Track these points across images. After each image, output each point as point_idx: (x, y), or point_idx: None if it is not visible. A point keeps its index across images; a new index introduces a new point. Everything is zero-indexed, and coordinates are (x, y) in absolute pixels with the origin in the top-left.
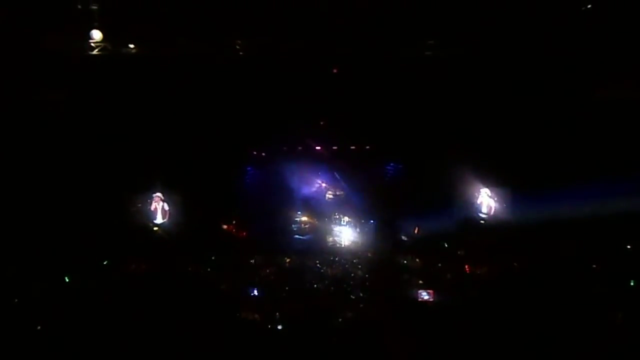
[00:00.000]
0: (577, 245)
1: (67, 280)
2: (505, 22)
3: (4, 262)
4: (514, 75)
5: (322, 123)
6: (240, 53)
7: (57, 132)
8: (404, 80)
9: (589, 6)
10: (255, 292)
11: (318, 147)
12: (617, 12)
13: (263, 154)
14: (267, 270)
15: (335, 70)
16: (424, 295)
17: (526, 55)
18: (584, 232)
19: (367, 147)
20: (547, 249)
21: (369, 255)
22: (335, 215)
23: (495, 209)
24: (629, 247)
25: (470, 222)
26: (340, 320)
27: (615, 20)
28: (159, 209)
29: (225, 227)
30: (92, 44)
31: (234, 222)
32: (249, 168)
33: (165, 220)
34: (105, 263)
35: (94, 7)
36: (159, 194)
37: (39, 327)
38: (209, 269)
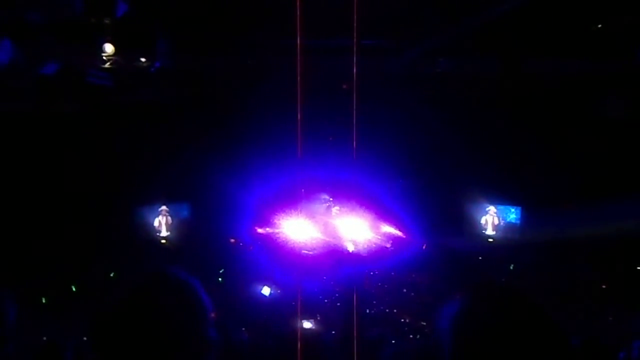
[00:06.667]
0: (588, 265)
1: (74, 289)
2: (513, 40)
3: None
4: (524, 92)
5: (331, 138)
6: (248, 68)
7: (66, 144)
8: (411, 95)
9: (599, 26)
10: (262, 306)
11: (326, 164)
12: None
13: (269, 169)
14: (274, 284)
15: (345, 86)
16: None
17: (535, 73)
18: (595, 252)
19: (375, 162)
20: (558, 269)
21: (377, 271)
22: (343, 230)
23: (503, 228)
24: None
25: (479, 240)
26: (345, 335)
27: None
28: (165, 222)
29: (232, 240)
30: (104, 57)
31: (241, 236)
32: (255, 183)
33: (170, 233)
34: (112, 275)
35: (107, 21)
36: (164, 207)
37: (44, 338)
38: (217, 282)
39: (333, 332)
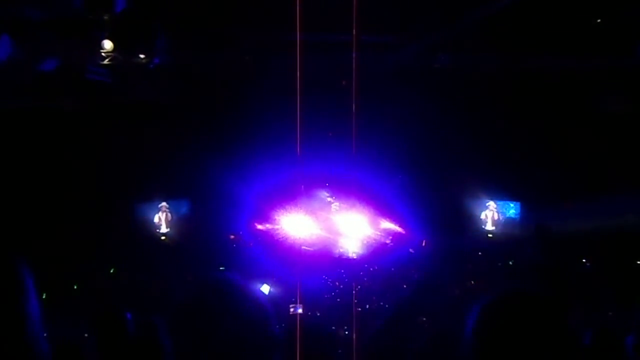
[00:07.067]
0: (586, 260)
1: (75, 287)
2: (513, 36)
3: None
4: (524, 87)
5: (330, 134)
6: (247, 64)
7: (65, 141)
8: (411, 91)
9: (599, 21)
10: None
11: (326, 160)
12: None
13: (269, 165)
14: (274, 280)
15: (344, 82)
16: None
17: (535, 68)
18: (594, 247)
19: (374, 158)
20: (558, 265)
21: (376, 267)
22: (343, 226)
23: (503, 223)
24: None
25: (479, 236)
26: (346, 332)
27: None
28: (165, 218)
29: (232, 237)
30: (103, 54)
31: (240, 232)
32: (255, 179)
33: (170, 230)
34: (111, 271)
35: (106, 17)
36: (164, 204)
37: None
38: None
39: (333, 327)
